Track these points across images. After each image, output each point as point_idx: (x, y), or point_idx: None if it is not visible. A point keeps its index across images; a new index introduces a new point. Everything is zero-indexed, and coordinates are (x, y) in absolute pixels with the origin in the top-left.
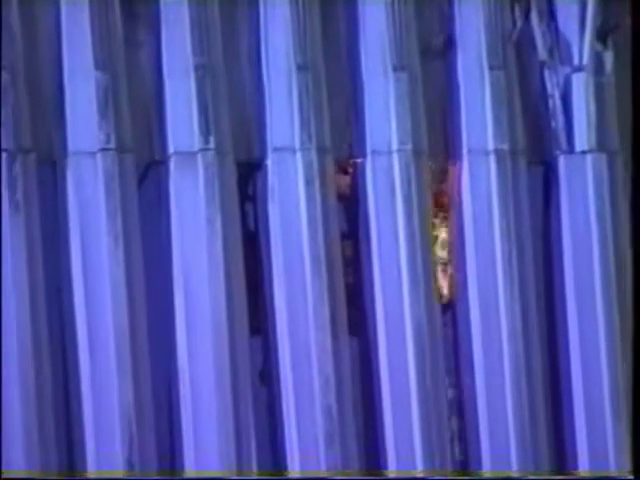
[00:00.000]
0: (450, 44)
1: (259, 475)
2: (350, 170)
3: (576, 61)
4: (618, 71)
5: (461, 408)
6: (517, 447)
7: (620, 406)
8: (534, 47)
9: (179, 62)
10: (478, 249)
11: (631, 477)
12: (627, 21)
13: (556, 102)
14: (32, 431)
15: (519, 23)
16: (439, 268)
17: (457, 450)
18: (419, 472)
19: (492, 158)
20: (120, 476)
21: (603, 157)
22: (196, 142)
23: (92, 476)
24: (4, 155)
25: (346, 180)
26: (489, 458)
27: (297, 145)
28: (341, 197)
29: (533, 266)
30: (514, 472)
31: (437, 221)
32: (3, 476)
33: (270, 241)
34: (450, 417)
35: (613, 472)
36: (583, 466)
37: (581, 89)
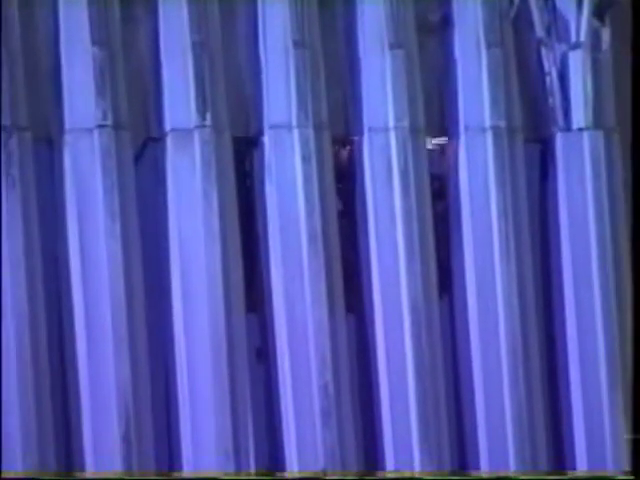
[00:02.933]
0: (447, 21)
1: (257, 473)
2: (348, 146)
3: (573, 38)
4: (615, 48)
5: (458, 391)
6: (515, 447)
7: (618, 403)
8: (531, 24)
9: (176, 40)
10: (475, 226)
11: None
12: None
13: (553, 79)
14: (29, 411)
15: (516, 0)
16: None
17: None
18: (416, 463)
19: (489, 135)
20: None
21: (600, 134)
22: (193, 119)
23: (90, 476)
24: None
25: (344, 155)
26: (487, 458)
27: (294, 122)
28: (338, 173)
29: (530, 243)
30: (512, 472)
31: None
32: (3, 476)
33: (267, 217)
34: (447, 399)
35: (610, 472)
36: (581, 466)
37: (578, 66)
